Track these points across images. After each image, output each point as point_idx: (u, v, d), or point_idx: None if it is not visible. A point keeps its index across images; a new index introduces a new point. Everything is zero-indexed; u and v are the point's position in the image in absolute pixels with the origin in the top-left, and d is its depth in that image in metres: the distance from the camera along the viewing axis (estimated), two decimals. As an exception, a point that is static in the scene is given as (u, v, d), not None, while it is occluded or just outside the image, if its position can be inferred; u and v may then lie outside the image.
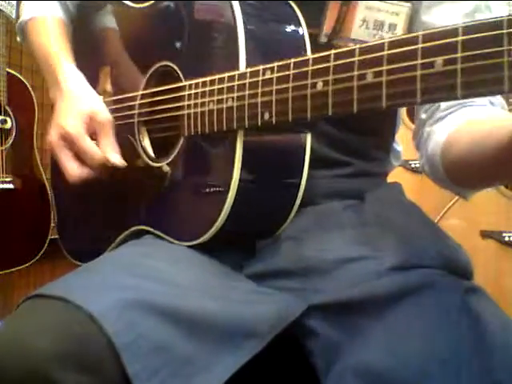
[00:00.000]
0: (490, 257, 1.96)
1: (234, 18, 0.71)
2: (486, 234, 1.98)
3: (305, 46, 0.75)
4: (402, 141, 0.99)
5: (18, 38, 1.08)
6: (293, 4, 0.78)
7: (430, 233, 0.79)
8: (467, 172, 0.76)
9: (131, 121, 0.88)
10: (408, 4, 0.83)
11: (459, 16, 0.84)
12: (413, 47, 0.53)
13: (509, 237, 1.96)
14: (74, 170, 0.83)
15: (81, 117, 0.82)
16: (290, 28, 0.77)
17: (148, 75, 0.86)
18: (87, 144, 0.81)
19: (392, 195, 0.88)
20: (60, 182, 1.06)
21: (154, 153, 0.87)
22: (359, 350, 0.65)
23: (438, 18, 0.85)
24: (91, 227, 1.00)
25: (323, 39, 0.81)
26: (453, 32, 0.51)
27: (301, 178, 0.75)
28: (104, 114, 0.84)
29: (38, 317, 0.60)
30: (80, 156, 0.82)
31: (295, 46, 0.75)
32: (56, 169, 1.10)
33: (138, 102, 0.87)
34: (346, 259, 0.73)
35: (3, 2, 2.03)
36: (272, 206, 0.77)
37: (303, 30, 0.76)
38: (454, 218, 2.00)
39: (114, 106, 0.91)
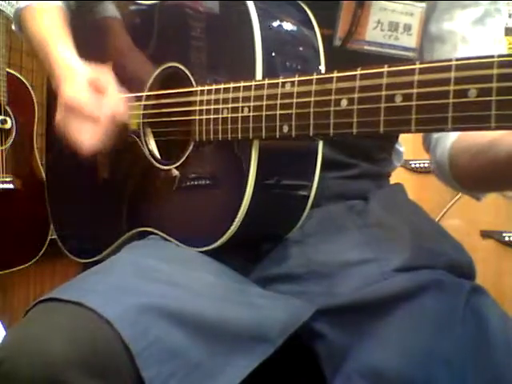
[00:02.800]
0: (490, 257, 1.96)
1: (250, 22, 0.69)
2: (485, 234, 1.98)
3: (319, 53, 0.74)
4: (403, 141, 0.99)
5: (14, 27, 1.05)
6: (304, 6, 0.77)
7: (433, 233, 0.80)
8: (475, 178, 0.76)
9: (135, 121, 0.86)
10: (422, 4, 0.82)
11: (468, 23, 0.84)
12: (446, 75, 0.52)
13: (509, 237, 1.96)
14: (86, 139, 0.79)
15: (77, 83, 0.80)
16: (304, 34, 0.76)
17: (154, 75, 0.85)
18: (88, 102, 0.79)
19: (395, 196, 0.88)
20: (60, 178, 1.06)
21: (160, 155, 0.86)
22: (365, 351, 0.66)
23: (448, 25, 0.85)
24: (92, 225, 0.99)
25: (337, 42, 0.81)
26: (488, 64, 0.50)
27: (312, 183, 0.75)
28: (100, 72, 0.82)
29: (53, 321, 0.59)
30: (88, 121, 0.79)
31: (309, 53, 0.74)
32: (53, 165, 1.10)
33: (143, 102, 0.86)
34: (351, 262, 0.73)
35: (3, 2, 2.03)
36: (284, 211, 0.77)
37: (317, 36, 0.75)
38: (454, 218, 2.00)
39: None
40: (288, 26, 0.75)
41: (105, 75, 0.82)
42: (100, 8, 0.98)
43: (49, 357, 0.55)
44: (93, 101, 0.79)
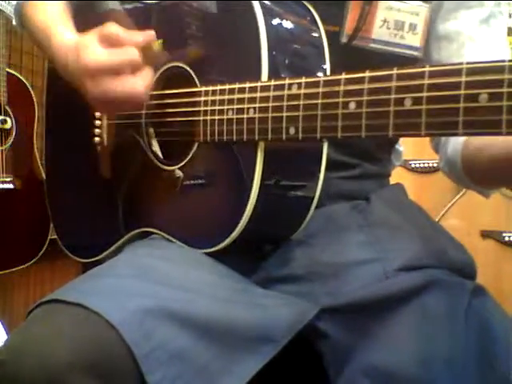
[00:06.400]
0: (490, 257, 1.96)
1: (256, 22, 0.69)
2: (485, 234, 1.99)
3: (324, 53, 0.74)
4: (404, 141, 0.99)
5: (14, 22, 1.03)
6: (309, 6, 0.77)
7: (434, 233, 0.80)
8: (490, 175, 0.76)
9: (137, 121, 0.86)
10: (427, 4, 0.83)
11: (476, 22, 0.85)
12: (456, 79, 0.52)
13: (509, 237, 1.96)
14: (135, 85, 0.72)
15: (90, 46, 0.73)
16: (309, 33, 0.76)
17: (157, 75, 0.84)
18: (113, 55, 0.71)
19: (396, 196, 0.88)
20: (61, 178, 1.05)
21: (162, 155, 0.85)
22: (369, 350, 0.66)
23: (454, 25, 0.86)
24: (94, 225, 0.98)
25: (344, 39, 0.81)
26: (499, 69, 0.50)
27: (317, 184, 0.75)
28: (109, 25, 0.74)
29: (55, 323, 0.58)
30: (124, 70, 0.71)
31: (314, 54, 0.74)
32: (53, 164, 1.09)
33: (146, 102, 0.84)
34: (353, 262, 0.73)
35: (3, 2, 2.02)
36: (289, 213, 0.77)
37: (322, 35, 0.75)
38: (453, 218, 2.01)
39: None
40: (293, 25, 0.75)
41: (110, 26, 0.74)
42: (101, 3, 0.97)
43: (51, 359, 0.55)
44: (115, 52, 0.72)
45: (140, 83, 0.72)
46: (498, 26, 0.87)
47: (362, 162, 0.87)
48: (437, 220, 1.97)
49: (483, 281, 0.74)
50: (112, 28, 0.74)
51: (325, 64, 0.74)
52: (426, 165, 2.18)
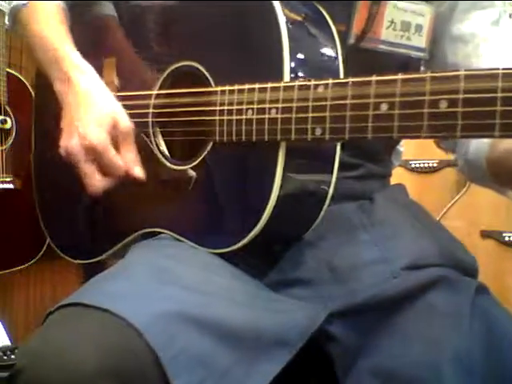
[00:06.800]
0: (490, 257, 1.97)
1: (277, 22, 0.69)
2: (485, 234, 1.99)
3: (337, 55, 0.74)
4: (404, 141, 0.99)
5: (7, 22, 1.04)
6: (320, 8, 0.77)
7: (437, 232, 0.80)
8: None
9: (144, 120, 0.85)
10: (433, 5, 0.84)
11: (488, 23, 0.86)
12: (493, 83, 0.53)
13: (509, 237, 1.96)
14: (98, 182, 0.78)
15: (104, 125, 0.78)
16: (324, 35, 0.76)
17: (165, 74, 0.83)
18: (113, 157, 0.77)
19: (398, 196, 0.89)
20: (54, 178, 1.03)
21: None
22: (376, 351, 0.66)
23: (469, 26, 0.87)
24: (93, 226, 0.98)
25: (352, 40, 0.81)
26: None
27: (330, 184, 0.75)
28: (126, 122, 0.80)
29: (79, 328, 0.58)
30: (103, 168, 0.78)
31: (330, 55, 0.74)
32: (45, 163, 1.07)
33: (152, 101, 0.84)
34: (361, 263, 0.74)
35: (3, 2, 2.02)
36: (304, 214, 0.76)
37: (335, 37, 0.75)
38: (454, 218, 2.01)
39: (124, 103, 0.87)
40: (310, 27, 0.75)
41: (126, 123, 0.80)
42: (98, 7, 0.96)
43: (78, 365, 0.54)
44: (112, 152, 0.78)
45: (101, 184, 0.78)
46: (505, 26, 0.88)
47: (364, 163, 0.87)
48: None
49: (483, 281, 0.74)
50: (126, 129, 0.79)
51: (338, 66, 0.73)
52: (426, 165, 2.19)
